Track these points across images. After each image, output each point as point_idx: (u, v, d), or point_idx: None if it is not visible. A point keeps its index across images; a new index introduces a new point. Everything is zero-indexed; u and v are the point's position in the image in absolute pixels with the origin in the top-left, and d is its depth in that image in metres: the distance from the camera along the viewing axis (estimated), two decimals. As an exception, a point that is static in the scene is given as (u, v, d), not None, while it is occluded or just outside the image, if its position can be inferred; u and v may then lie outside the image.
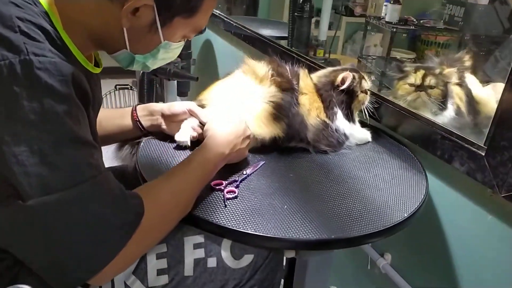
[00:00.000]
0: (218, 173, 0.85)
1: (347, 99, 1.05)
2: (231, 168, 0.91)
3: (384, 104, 1.17)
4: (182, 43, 0.80)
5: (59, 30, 0.66)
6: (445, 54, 1.36)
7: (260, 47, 1.83)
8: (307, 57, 1.59)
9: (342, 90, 1.05)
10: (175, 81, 1.94)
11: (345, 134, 1.05)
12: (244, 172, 0.91)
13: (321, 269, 0.98)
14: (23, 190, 0.57)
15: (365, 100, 1.09)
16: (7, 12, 0.59)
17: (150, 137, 1.04)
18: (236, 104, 0.99)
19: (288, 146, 1.02)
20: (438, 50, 1.93)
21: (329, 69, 1.12)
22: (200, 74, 1.94)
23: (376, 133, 1.16)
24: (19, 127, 0.57)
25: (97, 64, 0.82)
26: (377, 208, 0.83)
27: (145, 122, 1.03)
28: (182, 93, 2.04)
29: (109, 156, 1.04)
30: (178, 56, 2.00)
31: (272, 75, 1.02)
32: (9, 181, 0.57)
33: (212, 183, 0.85)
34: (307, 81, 1.07)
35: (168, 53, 0.78)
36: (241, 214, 0.77)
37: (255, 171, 0.93)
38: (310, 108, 1.03)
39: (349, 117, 1.06)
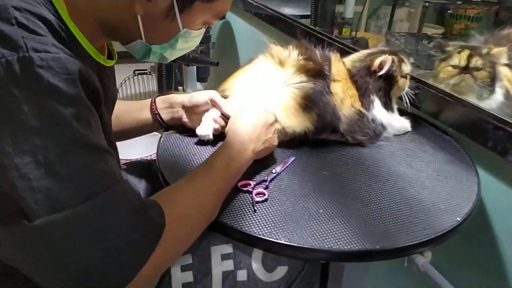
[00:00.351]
0: (244, 172, 0.77)
1: (386, 85, 0.95)
2: (258, 165, 0.83)
3: (424, 89, 1.06)
4: (202, 31, 0.71)
5: (65, 18, 0.58)
6: (490, 31, 1.22)
7: (282, 27, 1.72)
8: (332, 37, 1.48)
9: (380, 76, 0.94)
10: (195, 67, 1.85)
11: (382, 124, 0.96)
12: (274, 171, 0.83)
13: (358, 273, 0.90)
14: (29, 208, 0.50)
15: (405, 86, 0.98)
16: (1, 2, 0.51)
17: (170, 131, 0.97)
18: (261, 93, 0.91)
19: (319, 138, 0.94)
20: (467, 24, 1.79)
21: (364, 52, 1.02)
22: (219, 58, 1.85)
23: (416, 121, 1.05)
24: (21, 136, 0.49)
25: (110, 56, 0.74)
26: (425, 211, 0.74)
27: (165, 115, 0.95)
28: (202, 79, 1.96)
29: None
30: (197, 40, 1.92)
31: (300, 61, 0.92)
32: (12, 198, 0.50)
33: (239, 184, 0.77)
34: (339, 66, 0.97)
35: (188, 42, 0.70)
36: (273, 220, 0.70)
37: (285, 168, 0.85)
38: (344, 96, 0.93)
39: (388, 105, 0.96)
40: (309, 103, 0.89)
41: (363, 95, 0.94)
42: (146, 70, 2.83)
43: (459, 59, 1.05)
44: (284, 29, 1.69)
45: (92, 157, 0.54)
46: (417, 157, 0.91)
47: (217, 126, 0.89)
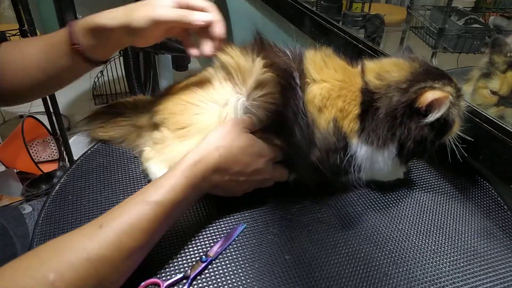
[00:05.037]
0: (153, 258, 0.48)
1: (433, 136, 0.59)
2: (178, 240, 0.53)
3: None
4: None
5: None
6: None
7: (281, 9, 1.36)
8: (336, 24, 1.12)
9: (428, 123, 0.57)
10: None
11: (359, 166, 0.61)
12: (204, 255, 0.52)
13: None
14: None
15: (457, 129, 0.62)
16: None
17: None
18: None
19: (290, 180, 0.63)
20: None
21: (404, 67, 0.60)
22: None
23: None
24: None
25: None
26: None
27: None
28: (180, 67, 1.63)
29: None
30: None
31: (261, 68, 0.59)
32: None
33: (142, 286, 0.48)
34: (330, 61, 0.62)
35: None
36: None
37: (225, 248, 0.54)
38: (325, 103, 0.59)
39: (404, 158, 0.61)
40: (271, 127, 0.57)
41: (373, 131, 0.58)
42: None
43: (501, 83, 0.69)
44: (282, 11, 1.34)
45: None
46: (447, 227, 0.60)
47: None
